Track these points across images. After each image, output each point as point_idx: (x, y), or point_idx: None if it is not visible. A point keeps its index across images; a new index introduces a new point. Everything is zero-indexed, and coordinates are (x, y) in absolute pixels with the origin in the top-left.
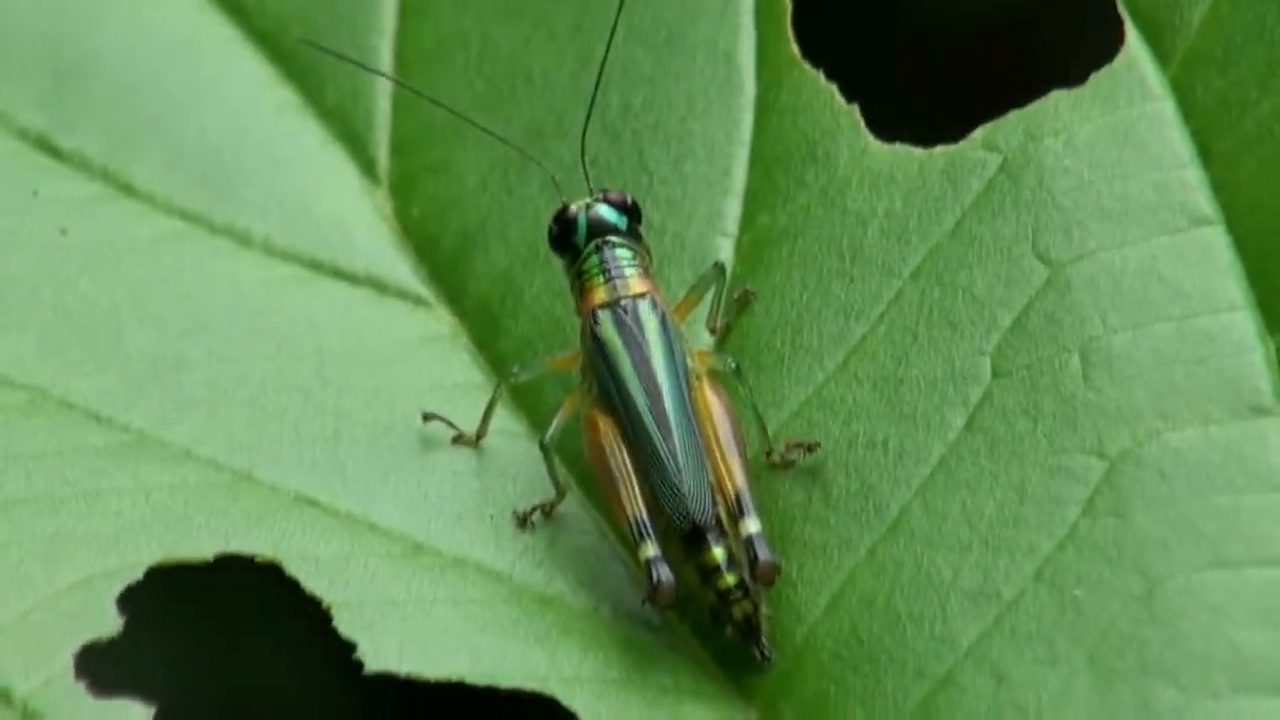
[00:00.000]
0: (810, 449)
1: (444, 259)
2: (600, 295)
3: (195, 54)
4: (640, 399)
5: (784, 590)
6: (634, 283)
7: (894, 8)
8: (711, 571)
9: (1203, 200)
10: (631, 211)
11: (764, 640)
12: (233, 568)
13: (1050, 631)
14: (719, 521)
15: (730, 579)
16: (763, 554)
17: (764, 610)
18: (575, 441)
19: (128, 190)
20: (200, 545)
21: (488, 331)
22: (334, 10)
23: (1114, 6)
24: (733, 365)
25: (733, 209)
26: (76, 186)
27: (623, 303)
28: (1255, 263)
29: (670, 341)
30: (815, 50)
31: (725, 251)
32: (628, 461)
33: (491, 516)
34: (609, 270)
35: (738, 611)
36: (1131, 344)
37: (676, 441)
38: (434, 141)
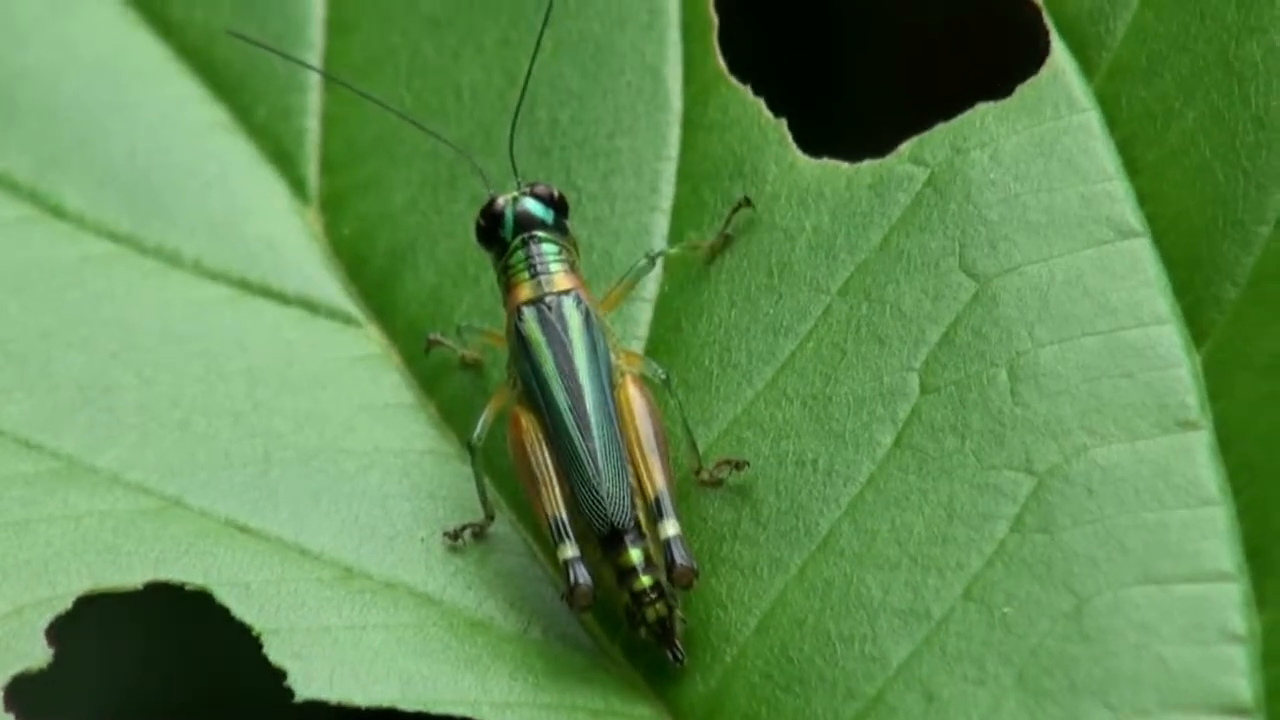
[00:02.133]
0: (739, 467)
1: (374, 278)
2: (525, 292)
3: (123, 72)
4: (561, 398)
5: (714, 610)
6: (559, 279)
7: (823, 20)
8: (627, 573)
9: (1129, 212)
10: (558, 205)
11: (677, 642)
12: (164, 595)
13: (980, 650)
14: (638, 523)
15: (645, 581)
16: (679, 558)
17: (678, 613)
18: (504, 460)
19: (57, 212)
20: (130, 574)
21: (418, 350)
22: (262, 26)
23: (1040, 17)
24: (662, 376)
25: (660, 226)
26: (4, 209)
27: (547, 299)
28: (1181, 275)
29: (594, 339)
30: (741, 63)
31: (654, 270)
32: (548, 461)
33: (423, 539)
34: (534, 266)
35: (651, 614)
36: (1059, 358)
37: (596, 442)
38: (363, 159)
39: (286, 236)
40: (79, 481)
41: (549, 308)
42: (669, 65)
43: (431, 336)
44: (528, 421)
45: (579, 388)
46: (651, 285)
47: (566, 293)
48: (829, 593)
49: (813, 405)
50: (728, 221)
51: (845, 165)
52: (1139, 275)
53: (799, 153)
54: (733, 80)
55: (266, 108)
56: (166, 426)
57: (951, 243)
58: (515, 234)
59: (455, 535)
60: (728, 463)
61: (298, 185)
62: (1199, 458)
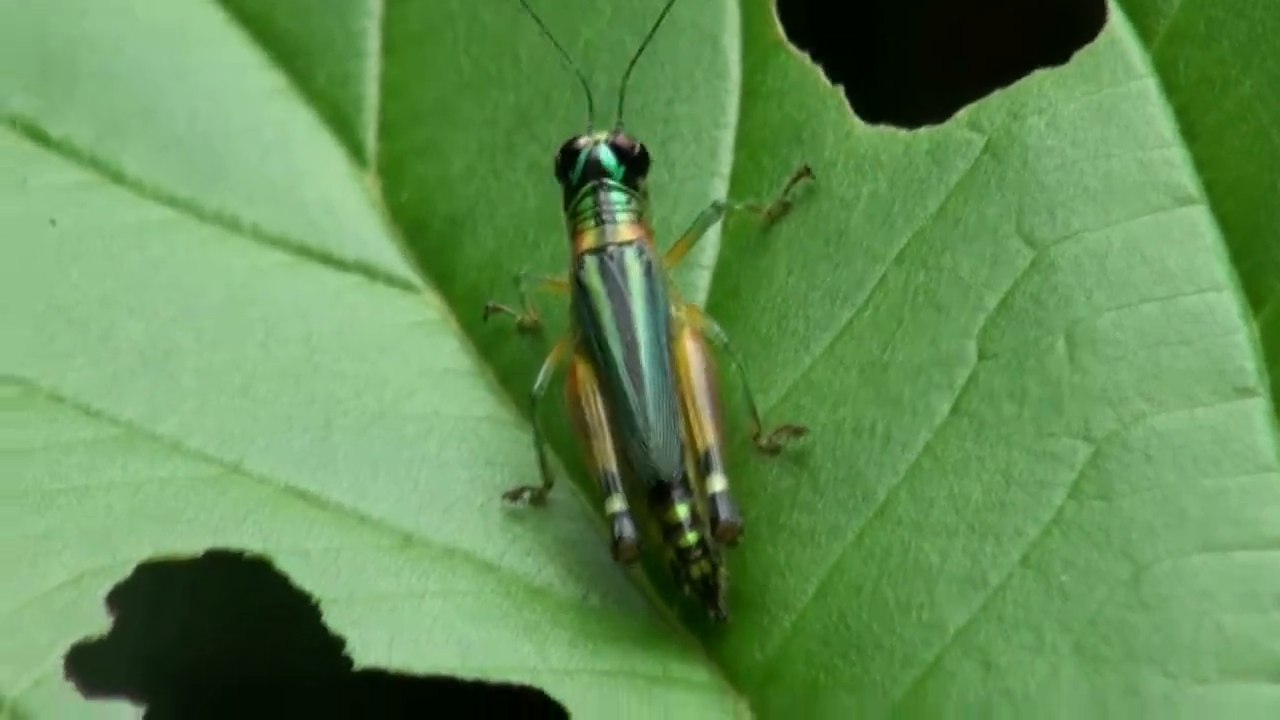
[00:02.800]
0: (798, 433)
1: (432, 244)
2: (589, 240)
3: (183, 38)
4: (617, 350)
5: (771, 577)
6: (624, 229)
7: None
8: (673, 529)
9: (1186, 179)
10: (634, 160)
11: (720, 601)
12: (224, 562)
13: (1037, 618)
14: (686, 479)
15: (691, 537)
16: (724, 513)
17: (723, 570)
18: (564, 425)
19: (117, 177)
20: (189, 541)
21: (476, 317)
22: None
23: None
24: (724, 340)
25: (719, 192)
26: (65, 174)
27: (610, 249)
28: (1238, 242)
29: (654, 292)
30: (796, 28)
31: (711, 235)
32: (602, 413)
33: (481, 506)
34: (600, 213)
35: (695, 571)
36: (1116, 325)
37: (649, 395)
38: (421, 125)
39: (345, 202)
40: (139, 448)
41: (611, 257)
42: (727, 32)
43: (490, 304)
44: (584, 373)
45: (634, 339)
46: (710, 251)
47: (630, 243)
48: (887, 560)
49: (870, 372)
50: (788, 189)
51: (902, 132)
52: (1196, 241)
53: (856, 119)
54: (791, 47)
55: (325, 73)
56: (226, 392)
57: (1009, 209)
58: (584, 179)
59: (514, 497)
60: (786, 429)
61: (356, 150)
62: (1257, 424)
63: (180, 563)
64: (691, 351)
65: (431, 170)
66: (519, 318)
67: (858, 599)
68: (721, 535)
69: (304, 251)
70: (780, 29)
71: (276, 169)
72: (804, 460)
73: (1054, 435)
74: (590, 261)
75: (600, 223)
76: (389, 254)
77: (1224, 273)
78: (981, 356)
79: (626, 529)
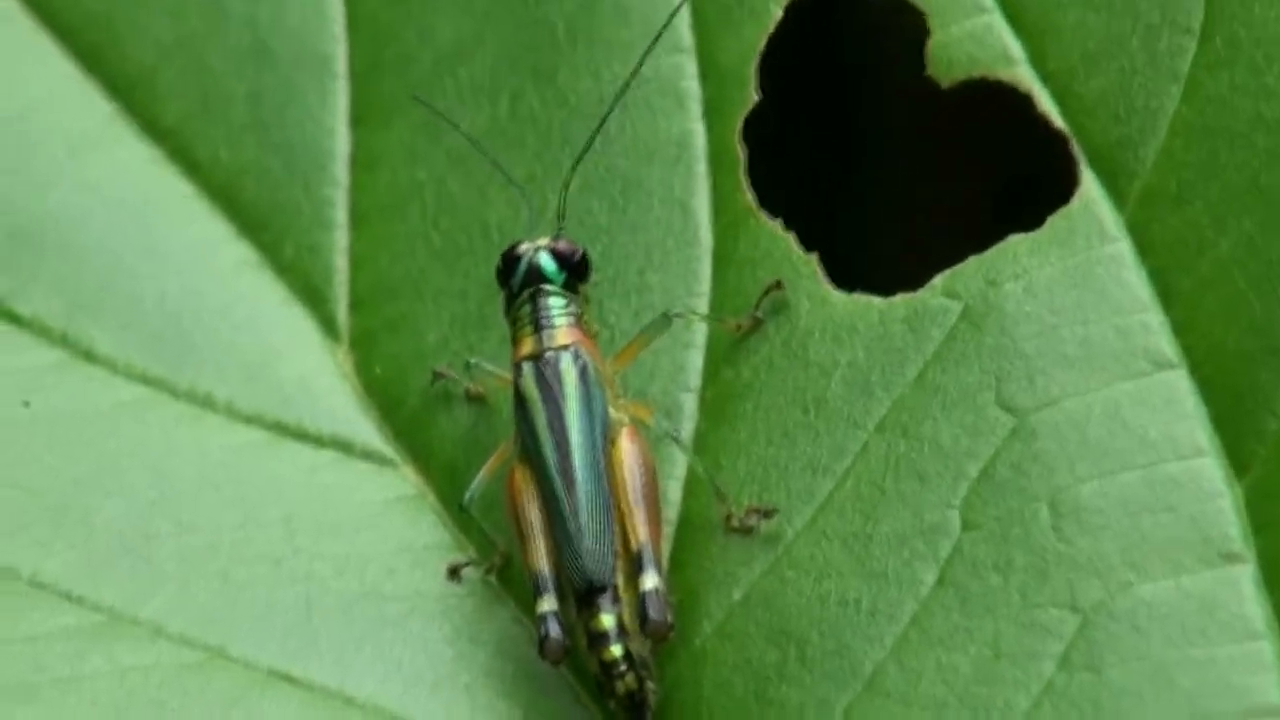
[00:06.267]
0: (768, 515)
1: (408, 418)
2: (526, 346)
3: (149, 212)
4: (550, 454)
5: None
6: (560, 333)
7: (847, 153)
8: (598, 638)
9: (1165, 343)
10: (574, 266)
11: (648, 716)
12: None
13: None
14: (616, 587)
15: (615, 651)
16: (653, 612)
17: (651, 685)
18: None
19: (89, 356)
20: None
21: (454, 491)
22: (289, 163)
23: (1068, 146)
24: (675, 433)
25: (695, 363)
26: (38, 355)
27: (547, 354)
28: (1220, 406)
29: (589, 395)
30: (770, 197)
31: (689, 407)
32: (536, 516)
33: (466, 685)
34: (539, 319)
35: (620, 686)
36: (1099, 493)
37: (581, 498)
38: (393, 298)
39: (319, 377)
40: (123, 634)
41: (547, 364)
42: (698, 199)
43: (437, 369)
44: (522, 478)
45: (567, 444)
46: (688, 425)
47: (566, 348)
48: None
49: (853, 544)
50: (758, 304)
51: (877, 299)
52: (1177, 408)
53: (831, 286)
54: (762, 214)
55: (294, 245)
56: (206, 576)
57: (988, 377)
58: (524, 285)
59: (455, 571)
60: (757, 511)
61: (328, 324)
62: (1245, 591)
63: None
64: (627, 451)
65: (405, 344)
66: (465, 385)
67: None
68: (652, 634)
69: (280, 428)
70: (751, 195)
71: (248, 344)
72: (790, 634)
73: (1040, 606)
74: (527, 368)
75: (538, 329)
76: (365, 429)
77: (1205, 438)
78: (965, 527)
79: (553, 629)
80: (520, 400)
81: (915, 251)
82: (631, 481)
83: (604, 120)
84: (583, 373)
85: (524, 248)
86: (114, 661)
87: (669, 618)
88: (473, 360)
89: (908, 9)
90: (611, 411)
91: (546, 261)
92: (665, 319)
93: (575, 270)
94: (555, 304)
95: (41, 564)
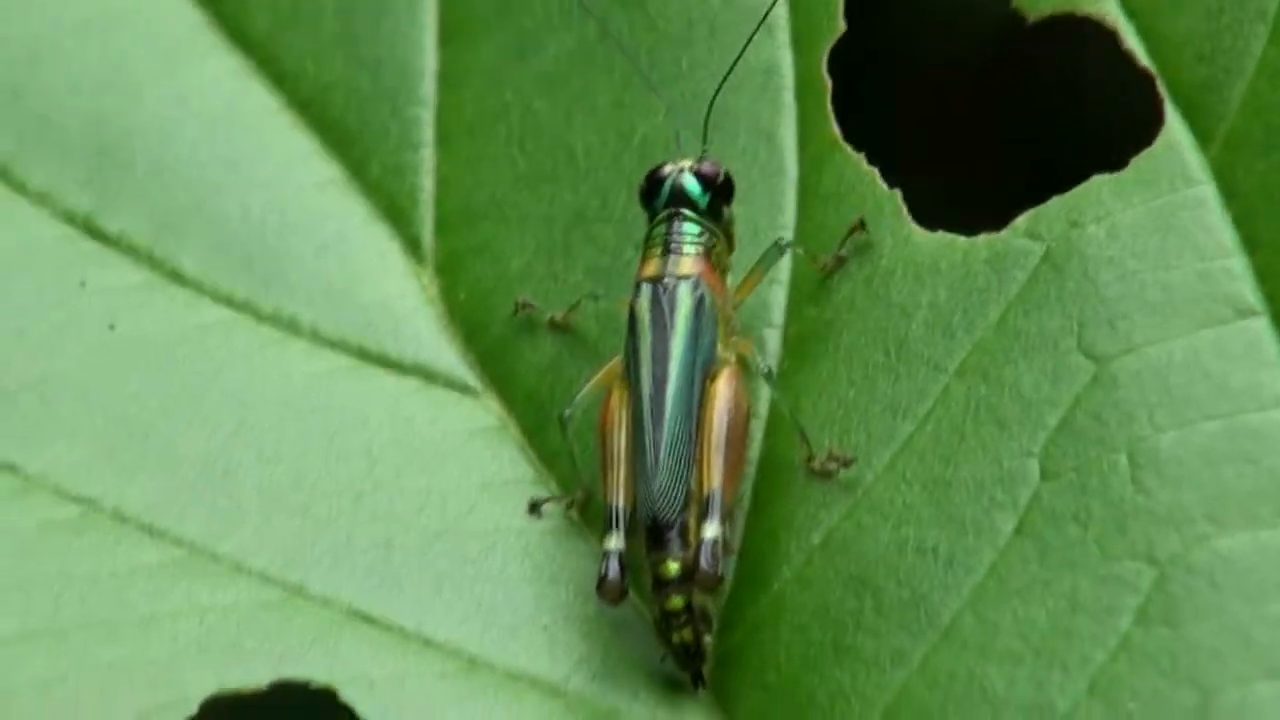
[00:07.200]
0: (847, 463)
1: (491, 346)
2: (650, 268)
3: (236, 126)
4: (647, 383)
5: (838, 704)
6: (686, 262)
7: (929, 89)
8: (663, 585)
9: (1247, 290)
10: (718, 188)
11: (701, 669)
12: (291, 692)
13: None
14: (686, 530)
15: (678, 601)
16: (705, 562)
17: (708, 639)
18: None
19: (175, 277)
20: (254, 672)
21: (537, 423)
22: (376, 79)
23: (1154, 86)
24: (764, 369)
25: (779, 299)
26: (124, 274)
27: (666, 280)
28: None
29: (699, 329)
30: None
31: (773, 344)
32: (622, 445)
33: (546, 626)
34: (669, 243)
35: (677, 637)
36: (1179, 444)
37: (665, 433)
38: (478, 222)
39: (403, 301)
40: (202, 572)
41: (665, 289)
42: (784, 129)
43: (520, 299)
44: (616, 400)
45: (665, 374)
46: (771, 362)
47: (687, 277)
48: (952, 686)
49: (933, 490)
50: (842, 243)
51: (961, 239)
52: (1259, 356)
53: (914, 225)
54: (847, 148)
55: (380, 164)
56: (287, 510)
57: (1070, 322)
58: (667, 205)
59: (535, 507)
60: (836, 458)
61: (413, 246)
62: None
63: (245, 695)
64: (721, 393)
65: (489, 269)
66: (549, 316)
67: None
68: (699, 583)
69: (362, 354)
70: (836, 127)
71: (333, 266)
72: (868, 581)
73: (1118, 558)
74: (645, 290)
75: (666, 253)
76: (448, 356)
77: None
78: (1044, 476)
79: (613, 568)
80: (632, 321)
81: (996, 188)
82: (719, 424)
83: (737, 59)
84: (698, 305)
85: (668, 169)
86: (193, 599)
87: (719, 570)
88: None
89: None
90: (720, 349)
91: (691, 183)
92: (778, 249)
93: (720, 191)
94: (689, 231)
95: (124, 496)
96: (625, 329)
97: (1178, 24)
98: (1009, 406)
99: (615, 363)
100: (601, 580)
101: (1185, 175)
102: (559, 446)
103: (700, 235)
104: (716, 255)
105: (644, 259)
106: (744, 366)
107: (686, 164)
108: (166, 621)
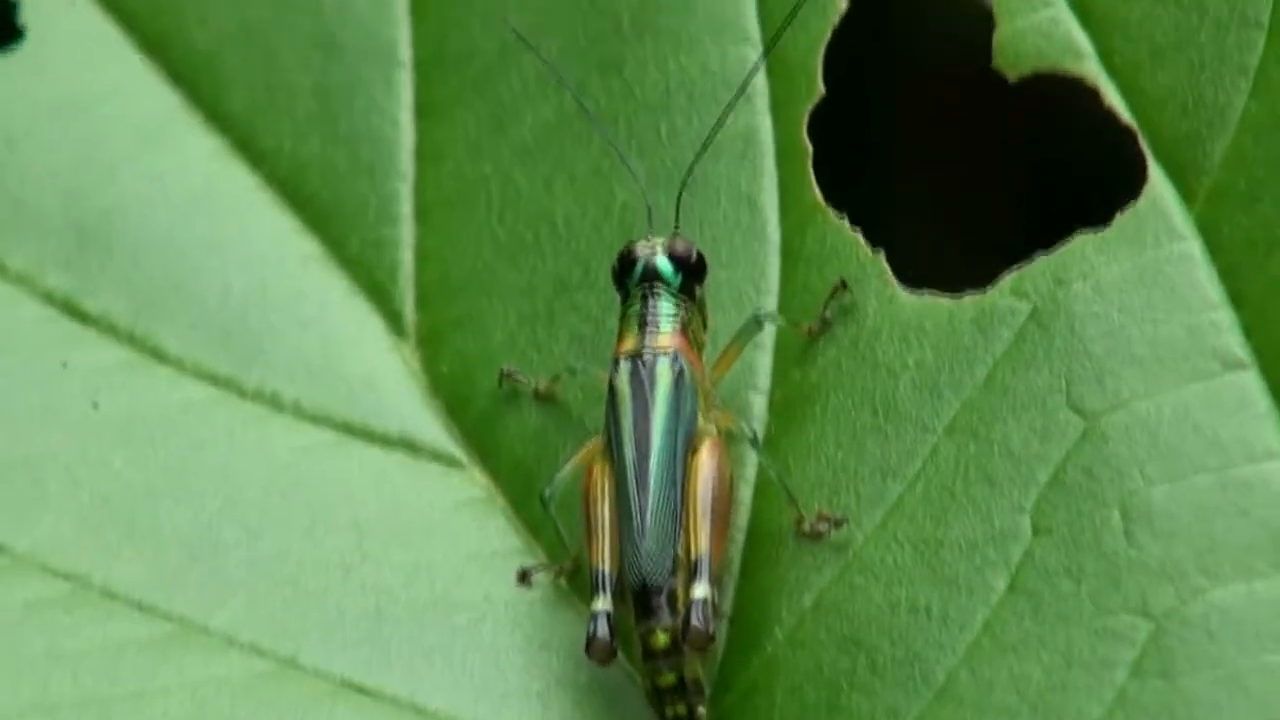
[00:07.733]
0: (837, 525)
1: (476, 418)
2: (628, 344)
3: (215, 205)
4: (630, 453)
5: None
6: (663, 337)
7: (904, 154)
8: (653, 656)
9: (1235, 344)
10: (691, 267)
11: None
12: None
13: None
14: (674, 598)
15: (669, 678)
16: (696, 620)
17: (702, 710)
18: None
19: (157, 355)
20: None
21: (523, 493)
22: (353, 155)
23: (1136, 142)
24: (750, 434)
25: (764, 363)
26: (105, 353)
27: (645, 355)
28: None
29: (679, 402)
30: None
31: (759, 408)
32: (606, 513)
33: (538, 693)
34: (646, 319)
35: (670, 711)
36: (1171, 497)
37: (650, 500)
38: (459, 295)
39: (386, 374)
40: (193, 645)
41: (644, 364)
42: (765, 195)
43: (505, 369)
44: (599, 472)
45: (648, 445)
46: (758, 427)
47: (665, 351)
48: None
49: (924, 549)
50: (826, 305)
51: (945, 299)
52: (1248, 409)
53: (898, 286)
54: (829, 211)
55: (359, 239)
56: (276, 583)
57: (1058, 379)
58: (639, 283)
59: (525, 575)
60: (827, 519)
61: (394, 320)
62: None
63: None
64: (705, 462)
65: (471, 341)
66: (534, 386)
67: None
68: (691, 642)
69: (347, 428)
70: (818, 192)
71: (315, 342)
72: (861, 641)
73: (1113, 612)
74: (624, 365)
75: (643, 327)
76: (432, 429)
77: (1277, 440)
78: (1036, 532)
79: (602, 629)
80: (612, 395)
81: (979, 249)
82: (704, 493)
83: (714, 130)
84: (678, 378)
85: (641, 249)
86: (185, 674)
87: (710, 629)
88: (578, 365)
89: (967, 3)
90: (700, 420)
91: (663, 263)
92: (756, 322)
93: (691, 270)
94: (665, 307)
95: (112, 572)
96: (605, 404)
97: (1159, 80)
98: (999, 464)
99: (595, 441)
100: (590, 640)
101: (1170, 230)
102: (545, 517)
103: (675, 312)
104: (693, 331)
105: (620, 335)
106: (727, 436)
107: (659, 242)
108: (159, 697)
